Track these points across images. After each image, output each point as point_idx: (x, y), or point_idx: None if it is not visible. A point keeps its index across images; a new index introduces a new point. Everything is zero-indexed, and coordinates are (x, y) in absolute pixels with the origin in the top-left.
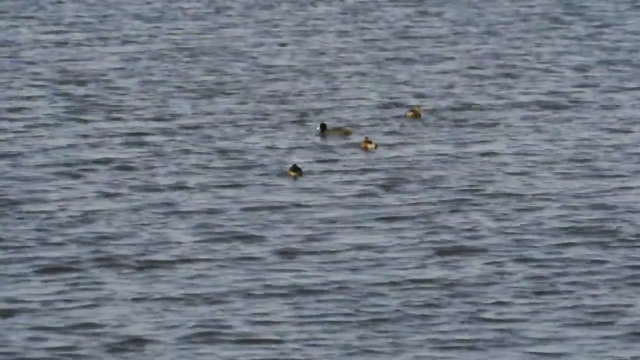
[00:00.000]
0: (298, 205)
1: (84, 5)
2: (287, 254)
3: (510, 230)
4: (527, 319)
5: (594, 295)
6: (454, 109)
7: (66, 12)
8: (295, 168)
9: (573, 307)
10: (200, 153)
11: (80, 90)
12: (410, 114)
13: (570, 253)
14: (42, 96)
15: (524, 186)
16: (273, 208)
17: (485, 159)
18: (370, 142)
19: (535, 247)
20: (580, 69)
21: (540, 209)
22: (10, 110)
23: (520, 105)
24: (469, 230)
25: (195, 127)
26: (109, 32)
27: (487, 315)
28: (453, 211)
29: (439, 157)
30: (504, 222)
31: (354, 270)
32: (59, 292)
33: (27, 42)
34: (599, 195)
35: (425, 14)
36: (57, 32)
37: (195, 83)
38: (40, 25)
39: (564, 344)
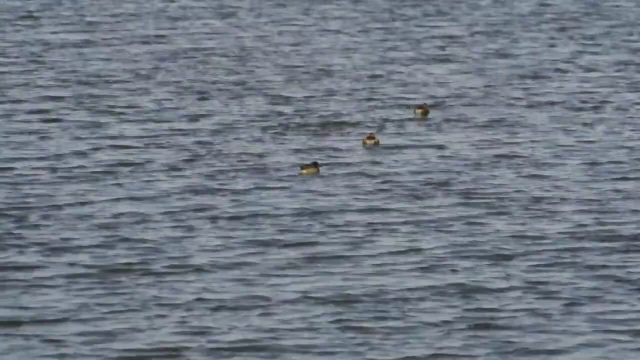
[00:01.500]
0: (323, 209)
1: (104, 5)
2: (324, 259)
3: (540, 235)
4: (563, 328)
5: (631, 303)
6: (467, 108)
7: (86, 12)
8: (314, 164)
9: (610, 314)
10: (216, 156)
11: (94, 91)
12: (420, 110)
13: (603, 259)
14: (63, 97)
15: (547, 189)
16: (300, 212)
17: (506, 161)
18: (372, 138)
19: (566, 252)
20: (599, 69)
21: (564, 213)
22: (34, 112)
23: (536, 105)
24: (496, 235)
25: (208, 130)
26: (129, 32)
27: (520, 322)
28: (479, 215)
29: (456, 158)
30: (533, 227)
31: (395, 276)
32: (92, 298)
33: (51, 43)
34: (628, 199)
35: (440, 13)
36: (78, 32)
37: (210, 84)
38: (61, 25)
39: (604, 352)
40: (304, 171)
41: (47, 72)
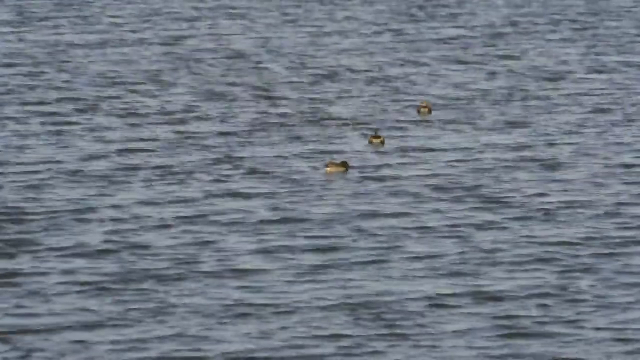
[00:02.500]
0: (346, 213)
1: (120, 6)
2: (349, 264)
3: (562, 240)
4: (589, 334)
5: None
6: (479, 110)
7: (105, 13)
8: (343, 163)
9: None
10: (232, 160)
11: (111, 93)
12: (425, 109)
13: (629, 264)
14: (79, 99)
15: (566, 192)
16: (322, 216)
17: (523, 163)
18: (377, 137)
19: (591, 258)
20: (612, 71)
21: (584, 217)
22: (49, 114)
23: (551, 107)
24: (520, 240)
25: (226, 132)
26: (142, 33)
27: (546, 329)
28: (501, 219)
29: (471, 161)
30: (554, 231)
31: (421, 282)
32: (114, 305)
33: (71, 44)
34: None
35: (451, 15)
36: (94, 34)
37: (224, 86)
38: (78, 26)
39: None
40: (329, 169)
41: (62, 74)
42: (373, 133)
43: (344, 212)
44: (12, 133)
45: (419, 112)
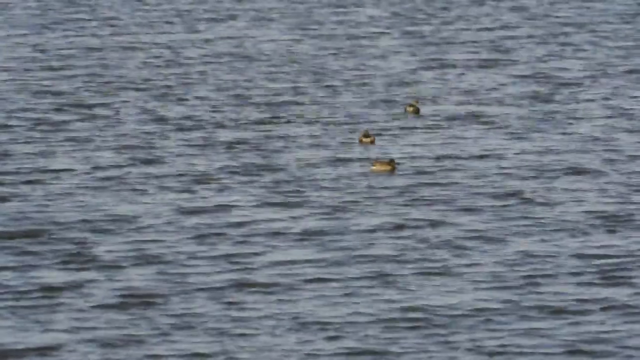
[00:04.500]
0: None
1: (134, 6)
2: (397, 276)
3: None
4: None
5: None
6: (498, 114)
7: (122, 15)
8: (390, 162)
9: None
10: (262, 167)
11: (142, 98)
12: (411, 109)
13: None
14: (105, 104)
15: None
16: (375, 226)
17: (554, 171)
18: (367, 136)
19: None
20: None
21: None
22: (69, 121)
23: (571, 112)
24: (569, 251)
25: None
26: (155, 38)
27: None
28: (540, 229)
29: (497, 166)
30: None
31: (491, 290)
32: (157, 317)
33: (85, 48)
34: None
35: (456, 17)
36: (117, 36)
37: (246, 89)
38: (106, 28)
39: None
40: (374, 167)
41: (82, 78)
42: (363, 133)
43: (376, 219)
44: (26, 141)
45: (405, 111)
